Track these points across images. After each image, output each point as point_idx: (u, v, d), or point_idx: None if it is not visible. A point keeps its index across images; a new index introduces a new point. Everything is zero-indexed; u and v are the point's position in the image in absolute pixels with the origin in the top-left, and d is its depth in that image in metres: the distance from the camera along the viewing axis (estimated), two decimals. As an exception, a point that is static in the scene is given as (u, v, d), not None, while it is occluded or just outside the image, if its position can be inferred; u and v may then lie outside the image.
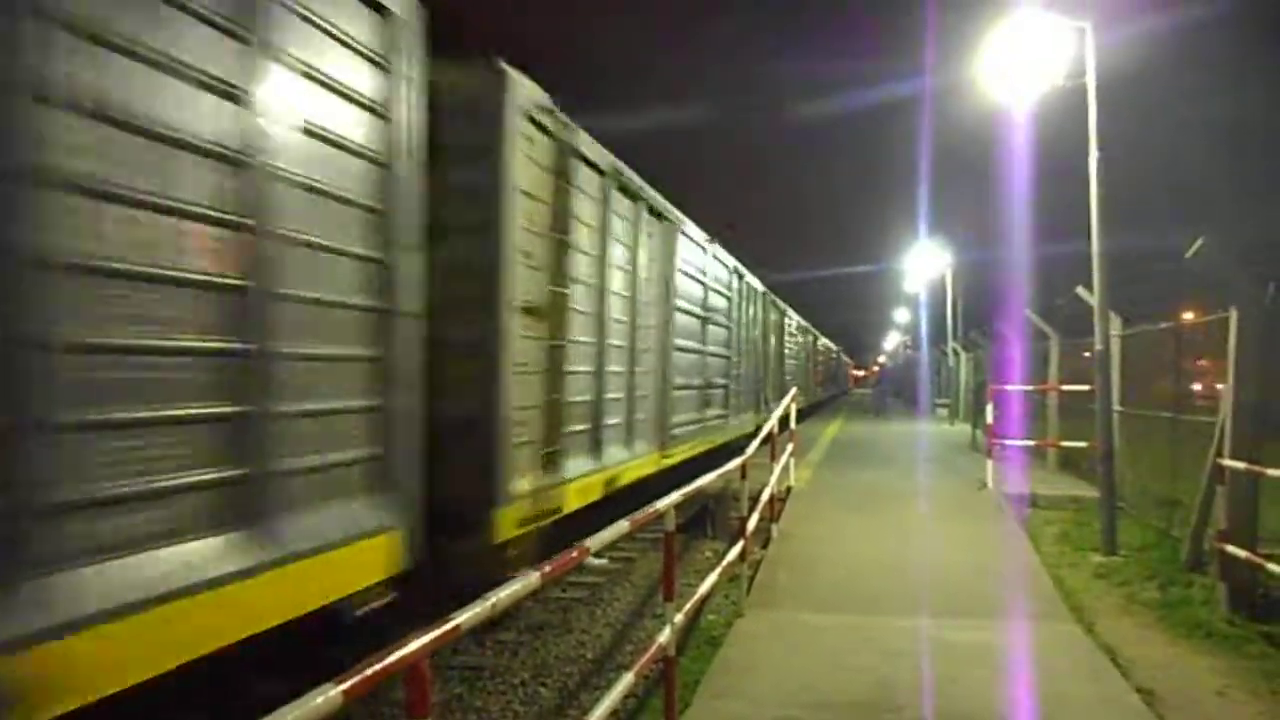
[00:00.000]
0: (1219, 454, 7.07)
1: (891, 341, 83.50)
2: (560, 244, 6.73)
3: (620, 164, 8.27)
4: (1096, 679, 5.21)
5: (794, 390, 13.69)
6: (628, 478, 8.56)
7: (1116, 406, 10.11)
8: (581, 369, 7.47)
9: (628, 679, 4.01)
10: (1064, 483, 12.59)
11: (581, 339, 7.45)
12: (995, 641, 5.88)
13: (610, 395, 8.16)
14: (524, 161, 6.03)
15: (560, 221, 6.72)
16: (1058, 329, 14.06)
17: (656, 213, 9.69)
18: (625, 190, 8.56)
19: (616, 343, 8.38)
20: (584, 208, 7.42)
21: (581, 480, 7.23)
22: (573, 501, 7.01)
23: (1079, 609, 6.79)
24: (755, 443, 8.33)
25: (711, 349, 12.94)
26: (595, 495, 7.60)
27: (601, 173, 7.84)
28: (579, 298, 7.33)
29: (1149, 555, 8.46)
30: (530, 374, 6.19)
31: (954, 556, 8.23)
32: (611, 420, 8.22)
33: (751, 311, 17.07)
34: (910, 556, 8.25)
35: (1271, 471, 6.32)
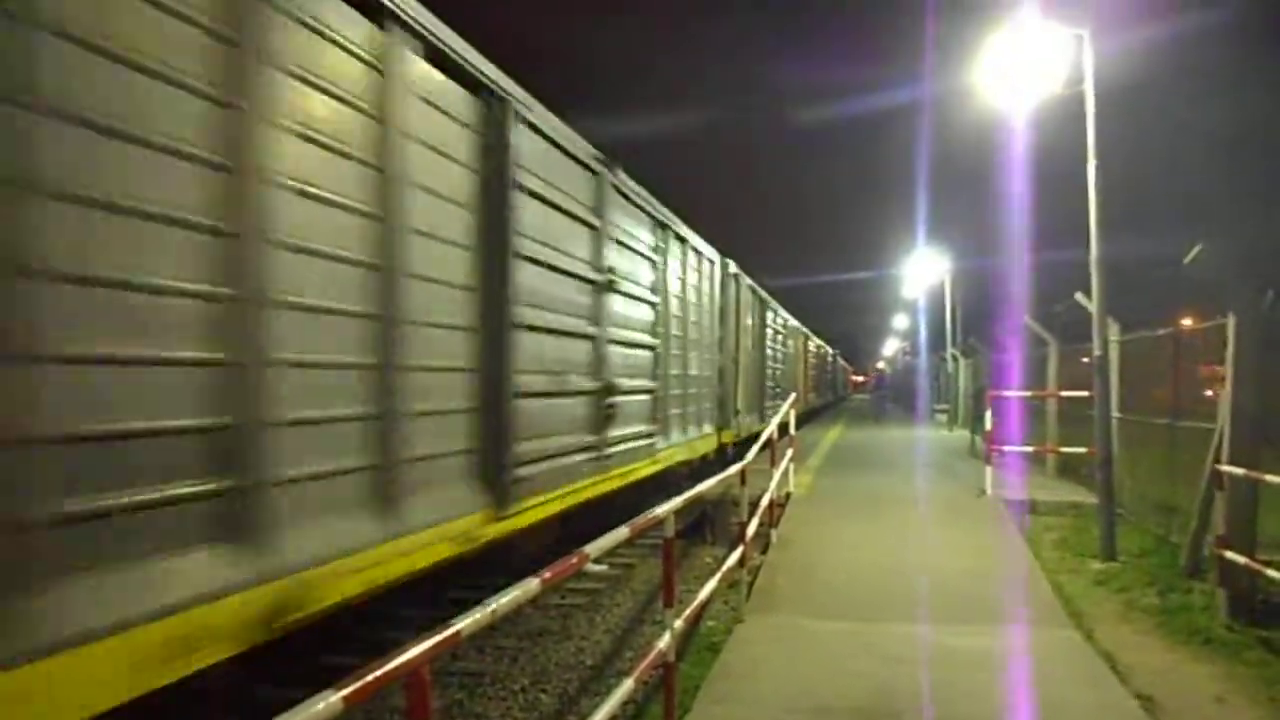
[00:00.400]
0: (1217, 459, 7.08)
1: (891, 348, 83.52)
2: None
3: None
4: (1095, 685, 5.21)
5: (793, 396, 13.71)
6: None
7: (1115, 412, 10.12)
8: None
9: (627, 685, 4.01)
10: (1063, 489, 12.58)
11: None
12: (994, 647, 5.88)
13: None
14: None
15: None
16: (1056, 335, 14.08)
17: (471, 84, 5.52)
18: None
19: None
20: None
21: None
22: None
23: (1078, 615, 6.79)
24: (755, 448, 8.33)
25: (617, 333, 8.28)
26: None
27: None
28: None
29: (1148, 561, 8.46)
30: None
31: (953, 562, 8.23)
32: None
33: (709, 291, 12.96)
34: (909, 562, 8.24)
35: (1270, 478, 6.33)
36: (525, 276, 6.13)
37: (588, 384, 7.51)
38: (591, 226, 7.64)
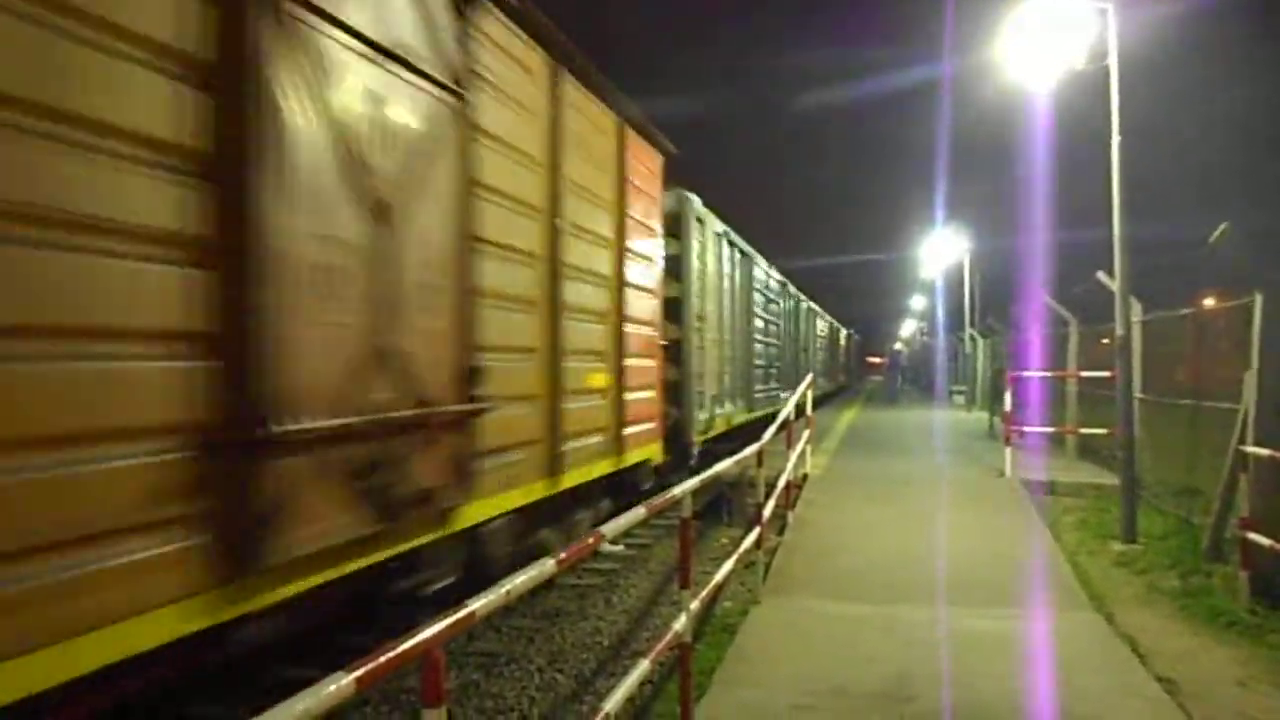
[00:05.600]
0: (1241, 441, 6.99)
1: (908, 329, 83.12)
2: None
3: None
4: (1117, 668, 5.16)
5: (810, 376, 13.63)
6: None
7: (1137, 393, 10.01)
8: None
9: (644, 666, 3.99)
10: (1083, 470, 12.49)
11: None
12: (1014, 630, 5.84)
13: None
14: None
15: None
16: (1076, 315, 13.94)
17: None
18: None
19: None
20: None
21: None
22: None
23: (1098, 598, 6.74)
24: (771, 429, 8.29)
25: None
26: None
27: None
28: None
29: (1169, 543, 8.38)
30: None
31: (971, 544, 8.18)
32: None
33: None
34: (927, 544, 8.20)
35: (1296, 459, 6.24)
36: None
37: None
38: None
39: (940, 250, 38.19)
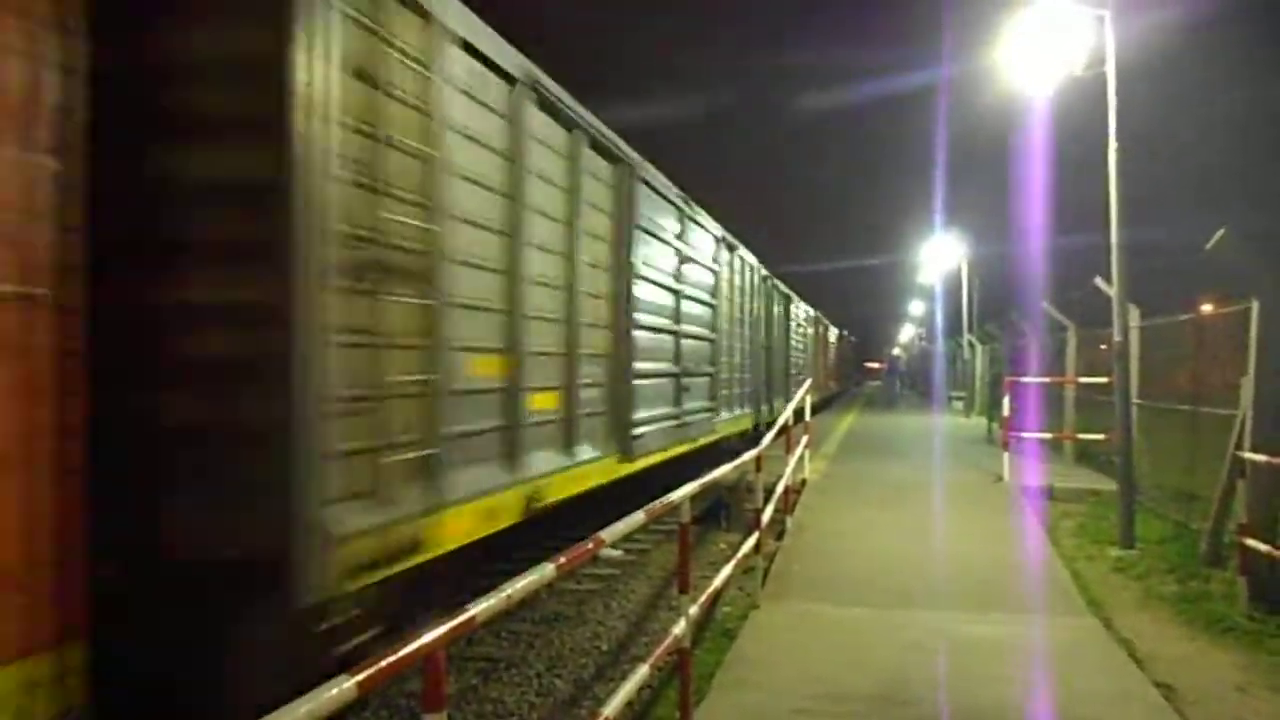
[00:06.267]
0: (1239, 446, 7.00)
1: (907, 334, 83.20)
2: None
3: None
4: (1115, 673, 5.17)
5: (808, 382, 13.64)
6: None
7: (1135, 399, 10.03)
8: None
9: (643, 671, 4.00)
10: (1081, 475, 12.50)
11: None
12: (1012, 635, 5.84)
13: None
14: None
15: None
16: (1075, 320, 13.96)
17: None
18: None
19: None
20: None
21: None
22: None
23: (1096, 603, 6.74)
24: (770, 434, 8.30)
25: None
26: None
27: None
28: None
29: (1167, 549, 8.39)
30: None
31: (970, 549, 8.19)
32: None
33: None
34: (926, 549, 8.21)
35: (1293, 465, 6.25)
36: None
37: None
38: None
39: (939, 255, 38.26)
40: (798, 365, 22.13)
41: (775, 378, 17.61)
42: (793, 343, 21.24)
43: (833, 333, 38.05)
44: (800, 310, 23.67)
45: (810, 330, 26.67)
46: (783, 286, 19.70)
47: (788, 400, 14.09)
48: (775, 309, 18.22)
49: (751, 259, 14.80)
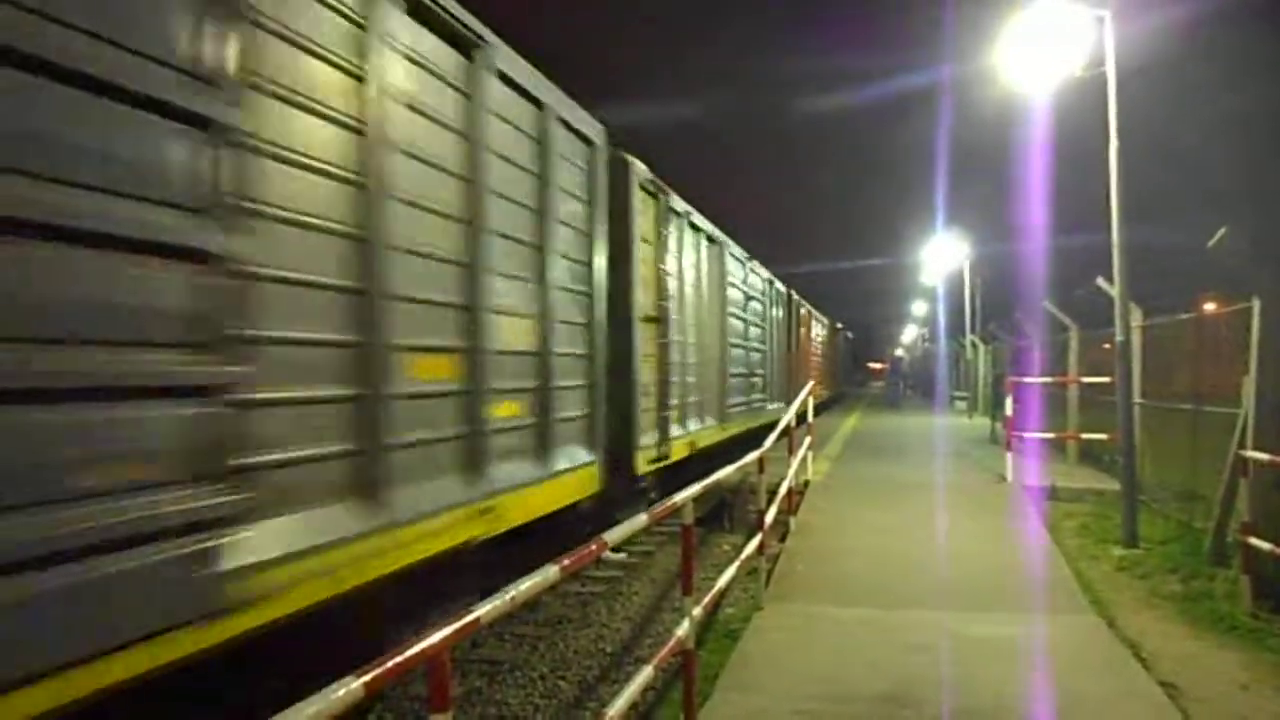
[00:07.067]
0: (1242, 445, 7.01)
1: (909, 334, 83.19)
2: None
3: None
4: (1119, 673, 5.18)
5: (811, 383, 13.63)
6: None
7: (1137, 399, 10.03)
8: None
9: (647, 672, 4.01)
10: (1084, 475, 12.50)
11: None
12: (1016, 635, 5.85)
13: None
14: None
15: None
16: (1077, 321, 13.96)
17: None
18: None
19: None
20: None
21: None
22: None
23: (1100, 602, 6.75)
24: (773, 436, 8.31)
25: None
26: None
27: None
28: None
29: (1170, 548, 8.39)
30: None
31: (973, 549, 8.19)
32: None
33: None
34: (929, 549, 8.21)
35: (1296, 463, 6.26)
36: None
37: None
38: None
39: (941, 256, 38.24)
40: (747, 362, 14.10)
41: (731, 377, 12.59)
42: (733, 324, 12.99)
43: (819, 322, 28.78)
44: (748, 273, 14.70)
45: (775, 311, 17.60)
46: (773, 277, 17.06)
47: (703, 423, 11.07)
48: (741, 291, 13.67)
49: (716, 233, 11.83)
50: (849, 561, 7.75)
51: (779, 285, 18.41)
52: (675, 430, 9.49)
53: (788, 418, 10.00)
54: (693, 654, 4.60)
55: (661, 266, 9.17)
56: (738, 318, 13.39)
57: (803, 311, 23.35)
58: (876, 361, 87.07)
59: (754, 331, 14.88)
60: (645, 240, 8.70)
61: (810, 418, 12.22)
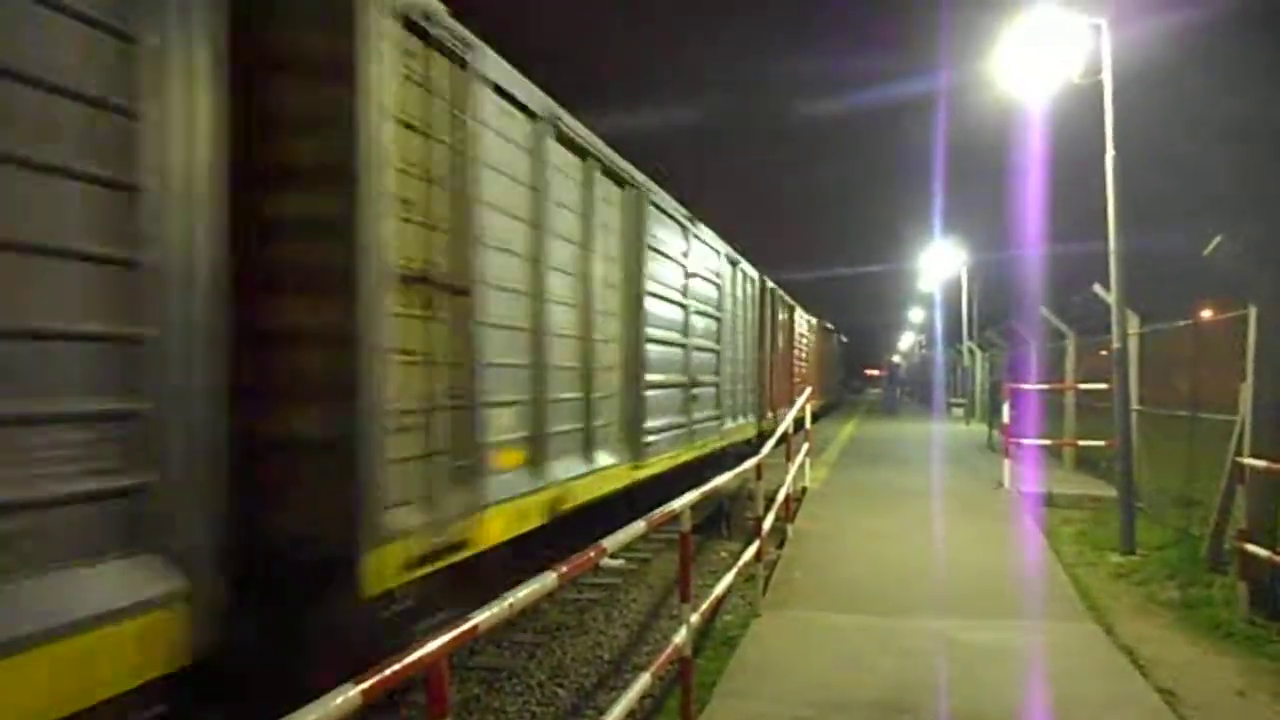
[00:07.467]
0: (1239, 452, 7.02)
1: (907, 341, 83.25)
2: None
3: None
4: (1116, 679, 5.18)
5: (808, 390, 13.63)
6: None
7: (1135, 405, 10.04)
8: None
9: (644, 680, 4.01)
10: (1081, 482, 12.52)
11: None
12: (1013, 642, 5.85)
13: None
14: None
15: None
16: (1073, 328, 13.98)
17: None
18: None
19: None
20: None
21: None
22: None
23: (1097, 609, 6.75)
24: (770, 443, 8.32)
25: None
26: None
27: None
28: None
29: (1168, 555, 8.40)
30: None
31: (971, 556, 8.19)
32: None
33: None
34: (927, 556, 8.22)
35: (1292, 470, 6.27)
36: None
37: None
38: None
39: (938, 262, 38.30)
40: (684, 365, 10.03)
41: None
42: (659, 311, 9.21)
43: (805, 322, 24.43)
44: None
45: (741, 301, 13.72)
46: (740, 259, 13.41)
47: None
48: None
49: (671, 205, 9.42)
50: (847, 568, 7.75)
51: (747, 268, 14.14)
52: (492, 487, 5.17)
53: (784, 425, 10.01)
54: (690, 661, 4.60)
55: (463, 186, 4.93)
56: (671, 302, 9.42)
57: (782, 308, 19.01)
58: (874, 368, 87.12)
59: (699, 324, 10.67)
60: (408, 124, 4.42)
61: (808, 425, 12.22)
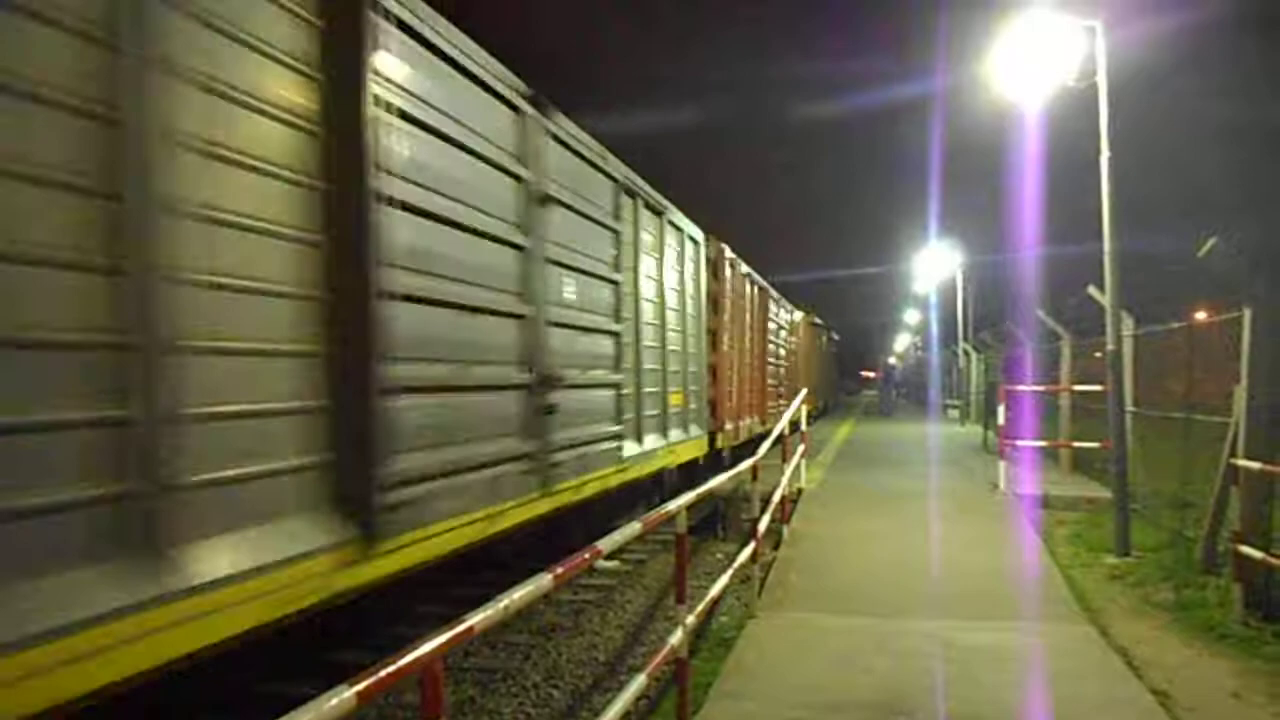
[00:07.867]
0: (1233, 454, 7.03)
1: (902, 343, 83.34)
2: None
3: None
4: (1111, 681, 5.19)
5: (803, 391, 13.63)
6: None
7: (1129, 407, 10.06)
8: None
9: (640, 681, 4.01)
10: (1076, 483, 12.53)
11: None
12: (1009, 643, 5.86)
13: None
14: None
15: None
16: (1071, 328, 14.00)
17: None
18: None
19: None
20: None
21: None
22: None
23: (1092, 610, 6.76)
24: (767, 444, 8.32)
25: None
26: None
27: None
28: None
29: (1163, 556, 8.41)
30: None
31: (966, 558, 8.20)
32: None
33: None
34: (922, 558, 8.22)
35: (1286, 472, 6.28)
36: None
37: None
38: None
39: (934, 264, 38.34)
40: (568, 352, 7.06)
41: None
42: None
43: (784, 311, 21.20)
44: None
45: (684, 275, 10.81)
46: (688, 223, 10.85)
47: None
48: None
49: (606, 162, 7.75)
50: (842, 569, 7.76)
51: (682, 221, 10.72)
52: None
53: (780, 426, 10.02)
54: (686, 662, 4.60)
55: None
56: (560, 265, 6.80)
57: (744, 283, 14.96)
58: (869, 370, 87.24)
59: (573, 287, 7.11)
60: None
61: (804, 426, 12.22)
